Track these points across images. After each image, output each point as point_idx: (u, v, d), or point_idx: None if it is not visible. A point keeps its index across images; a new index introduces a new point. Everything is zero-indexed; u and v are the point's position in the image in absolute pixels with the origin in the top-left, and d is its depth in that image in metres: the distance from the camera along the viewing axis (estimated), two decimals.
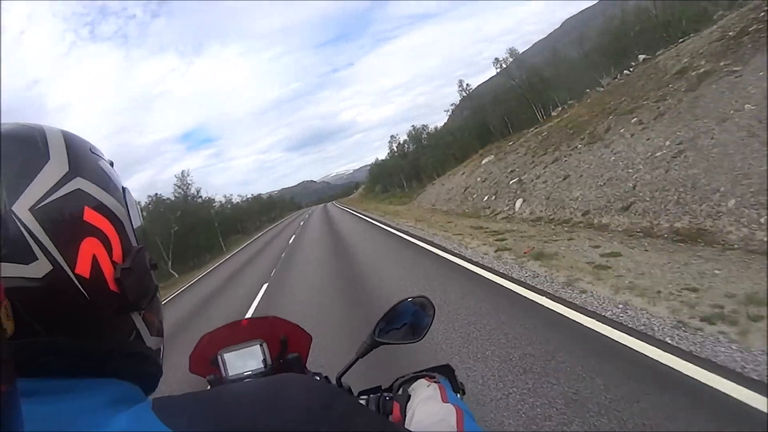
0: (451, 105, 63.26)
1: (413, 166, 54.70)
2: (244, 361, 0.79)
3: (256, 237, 40.83)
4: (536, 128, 16.51)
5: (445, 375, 0.74)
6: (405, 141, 67.23)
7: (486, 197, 12.60)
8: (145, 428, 0.30)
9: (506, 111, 41.29)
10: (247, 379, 0.76)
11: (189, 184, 44.33)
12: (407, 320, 0.79)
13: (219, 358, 0.79)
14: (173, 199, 41.41)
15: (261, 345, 0.80)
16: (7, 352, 0.19)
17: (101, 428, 0.30)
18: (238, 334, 0.84)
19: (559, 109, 21.57)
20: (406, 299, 0.80)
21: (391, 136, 72.00)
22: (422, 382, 0.68)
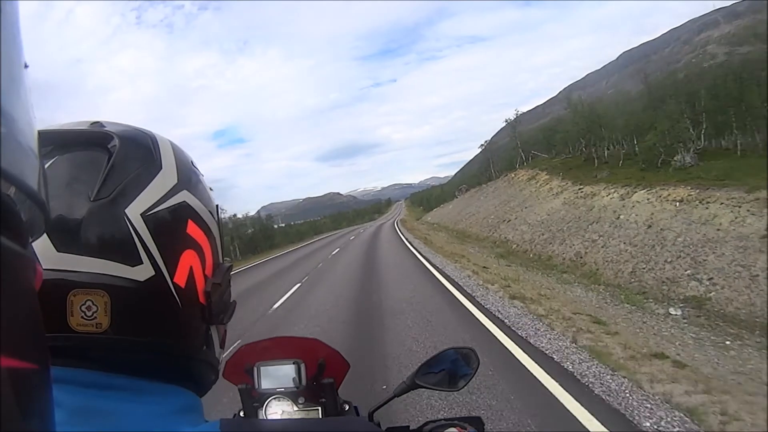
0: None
1: None
2: (279, 376, 0.80)
3: None
4: None
5: (475, 427, 0.73)
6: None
7: None
8: None
9: None
10: (301, 415, 0.78)
11: None
12: (446, 367, 0.80)
13: (255, 369, 0.80)
14: None
15: (298, 364, 0.80)
16: (43, 333, 0.17)
17: None
18: (278, 349, 0.85)
19: None
20: (450, 348, 0.81)
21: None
22: (453, 431, 0.71)
